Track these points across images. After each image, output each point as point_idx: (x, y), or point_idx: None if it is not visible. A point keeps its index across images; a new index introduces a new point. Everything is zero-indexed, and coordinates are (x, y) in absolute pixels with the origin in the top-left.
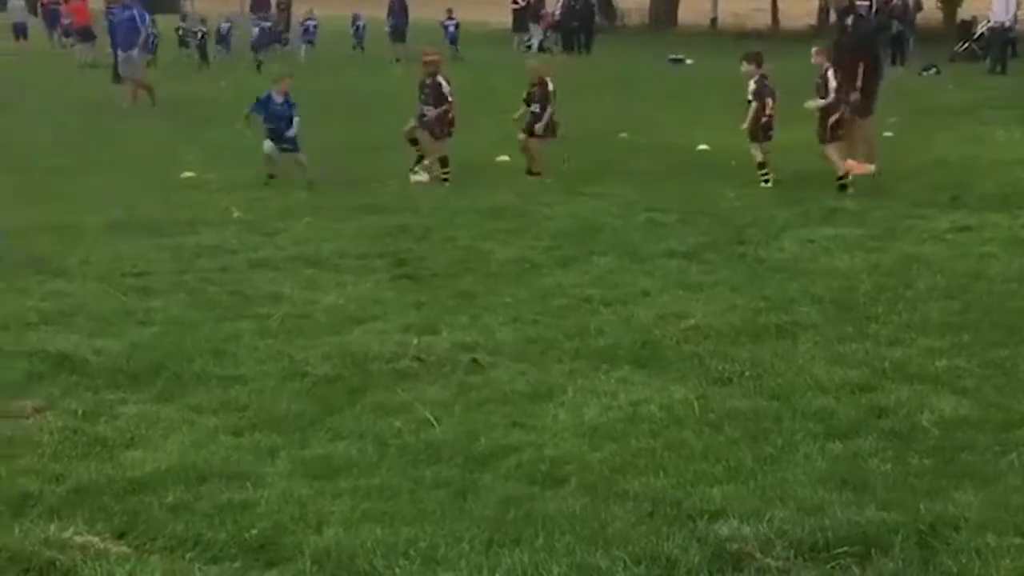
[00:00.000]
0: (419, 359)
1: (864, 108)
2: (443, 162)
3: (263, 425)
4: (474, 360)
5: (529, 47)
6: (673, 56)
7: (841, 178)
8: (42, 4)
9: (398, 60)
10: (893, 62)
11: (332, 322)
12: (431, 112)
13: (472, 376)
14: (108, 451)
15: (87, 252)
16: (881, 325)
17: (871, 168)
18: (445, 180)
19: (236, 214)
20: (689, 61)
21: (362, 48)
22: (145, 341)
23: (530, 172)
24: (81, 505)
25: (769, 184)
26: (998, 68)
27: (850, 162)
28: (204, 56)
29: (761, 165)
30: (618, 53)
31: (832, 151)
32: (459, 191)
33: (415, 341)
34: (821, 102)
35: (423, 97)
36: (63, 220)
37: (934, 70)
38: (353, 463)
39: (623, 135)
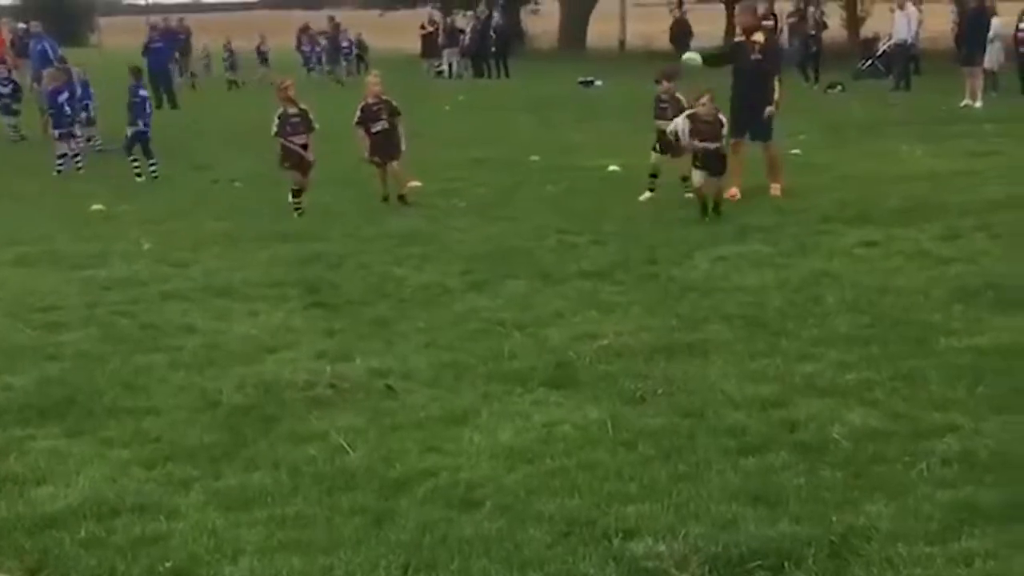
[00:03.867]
0: (333, 386)
1: (763, 132)
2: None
3: (176, 457)
4: (388, 386)
5: (440, 72)
6: (583, 79)
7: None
8: None
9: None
10: (806, 79)
11: (245, 352)
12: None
13: (386, 402)
14: (18, 488)
15: None
16: (791, 340)
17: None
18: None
19: (146, 246)
20: (599, 83)
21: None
22: (55, 376)
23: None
24: None
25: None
26: (901, 85)
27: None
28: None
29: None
30: (528, 76)
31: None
32: (371, 218)
33: (328, 368)
34: (699, 144)
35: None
36: None
37: (839, 87)
38: (268, 492)
39: (534, 158)
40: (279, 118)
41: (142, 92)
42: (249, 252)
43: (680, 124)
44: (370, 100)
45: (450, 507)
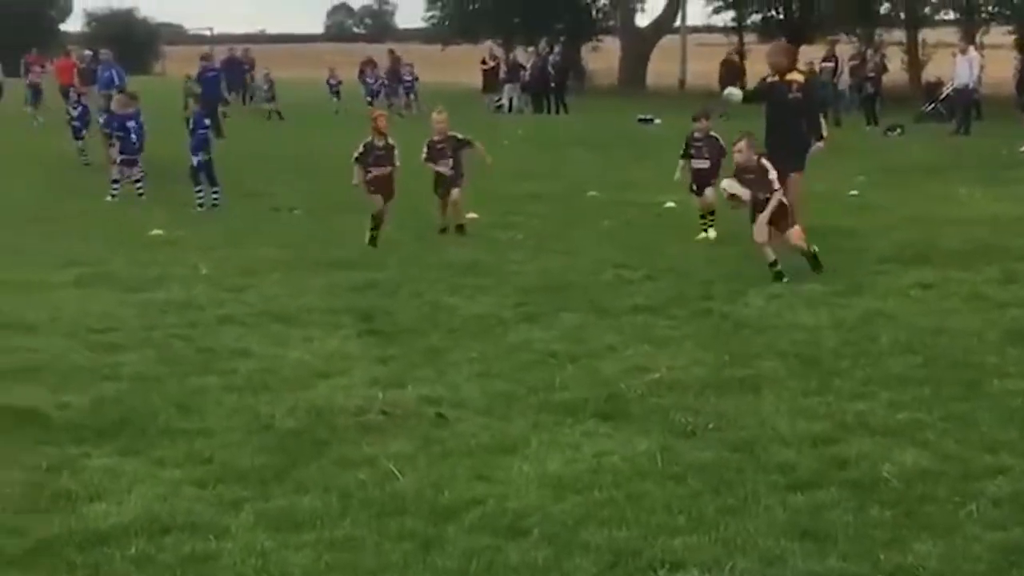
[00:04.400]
0: (384, 413)
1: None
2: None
3: (227, 478)
4: (439, 414)
5: (499, 107)
6: (642, 116)
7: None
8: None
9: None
10: (868, 122)
11: (298, 376)
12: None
13: (437, 429)
14: (72, 504)
15: (55, 308)
16: (844, 379)
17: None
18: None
19: (204, 271)
20: (657, 121)
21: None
22: (110, 396)
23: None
24: (44, 558)
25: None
26: (962, 129)
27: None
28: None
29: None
30: (587, 113)
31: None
32: (429, 247)
33: (380, 395)
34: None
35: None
36: (32, 276)
37: (899, 130)
38: (317, 515)
39: (592, 193)
40: (364, 147)
41: (206, 121)
42: (305, 278)
43: (727, 185)
44: (436, 137)
45: (497, 535)
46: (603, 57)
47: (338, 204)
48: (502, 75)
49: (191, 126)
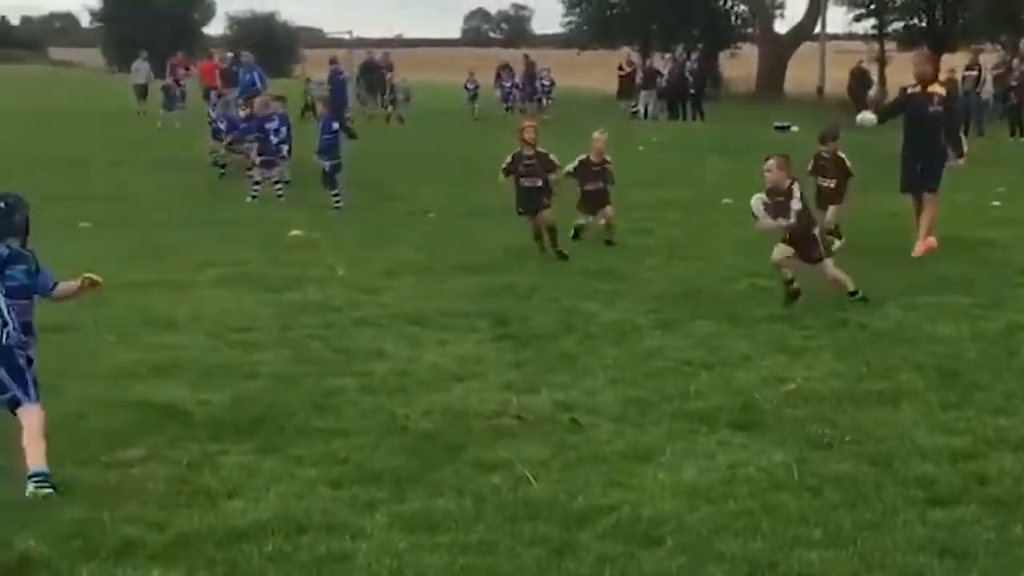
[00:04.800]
0: (518, 417)
1: (933, 183)
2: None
3: (362, 478)
4: (573, 419)
5: (635, 113)
6: (779, 124)
7: (853, 292)
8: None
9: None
10: (1012, 134)
11: (433, 379)
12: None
13: (571, 435)
14: (211, 500)
15: (197, 306)
16: (985, 393)
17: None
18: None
19: (341, 272)
20: (795, 128)
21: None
22: (249, 394)
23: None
24: (183, 553)
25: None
26: None
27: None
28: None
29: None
30: (723, 120)
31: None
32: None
33: (515, 399)
34: (783, 223)
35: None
36: (175, 276)
37: None
38: (451, 518)
39: (727, 200)
40: (512, 158)
41: (334, 126)
42: (440, 282)
43: (753, 203)
44: (592, 158)
45: (631, 542)
46: (740, 64)
47: (473, 208)
48: (639, 81)
49: (319, 130)
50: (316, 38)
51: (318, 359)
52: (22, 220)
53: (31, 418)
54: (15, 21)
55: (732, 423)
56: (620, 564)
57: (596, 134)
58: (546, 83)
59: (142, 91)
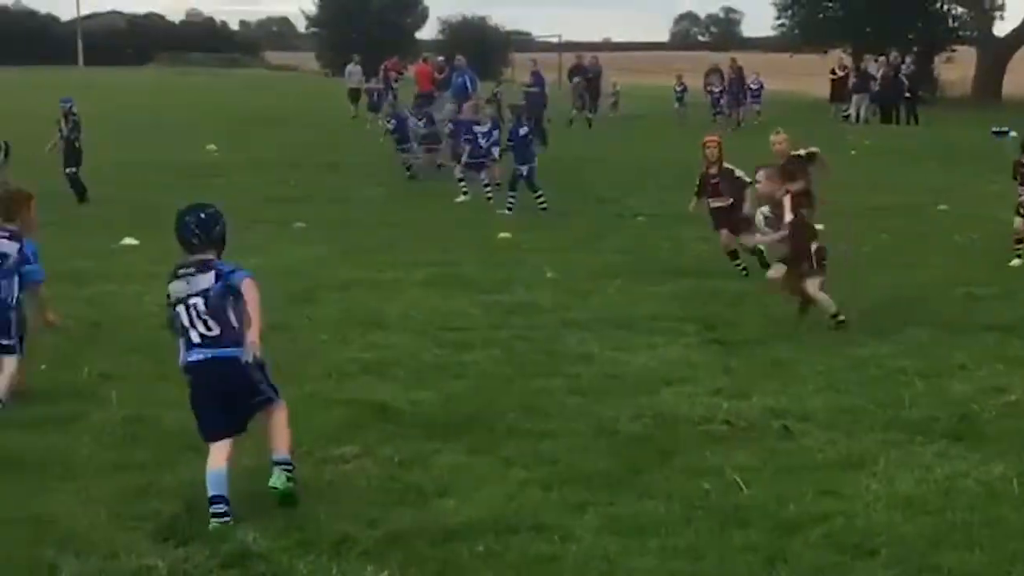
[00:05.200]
0: (728, 423)
1: None
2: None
3: (572, 480)
4: (784, 426)
5: (846, 117)
6: (996, 128)
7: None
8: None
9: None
10: None
11: (642, 383)
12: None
13: (782, 442)
14: (422, 499)
15: (407, 306)
16: None
17: None
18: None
19: (549, 274)
20: (1013, 134)
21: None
22: (459, 394)
23: None
24: (395, 550)
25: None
26: None
27: None
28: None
29: None
30: (938, 124)
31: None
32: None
33: (724, 405)
34: (775, 236)
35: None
36: (386, 275)
37: None
38: (661, 522)
39: (942, 207)
40: (700, 178)
41: (522, 131)
42: (649, 285)
43: (759, 218)
44: (782, 162)
45: (844, 553)
46: (956, 67)
47: (681, 212)
48: (852, 85)
49: (511, 136)
50: (526, 42)
51: (526, 360)
52: (221, 231)
53: (281, 413)
54: (234, 25)
55: (949, 433)
56: (833, 575)
57: (773, 135)
58: (754, 86)
59: (355, 95)
